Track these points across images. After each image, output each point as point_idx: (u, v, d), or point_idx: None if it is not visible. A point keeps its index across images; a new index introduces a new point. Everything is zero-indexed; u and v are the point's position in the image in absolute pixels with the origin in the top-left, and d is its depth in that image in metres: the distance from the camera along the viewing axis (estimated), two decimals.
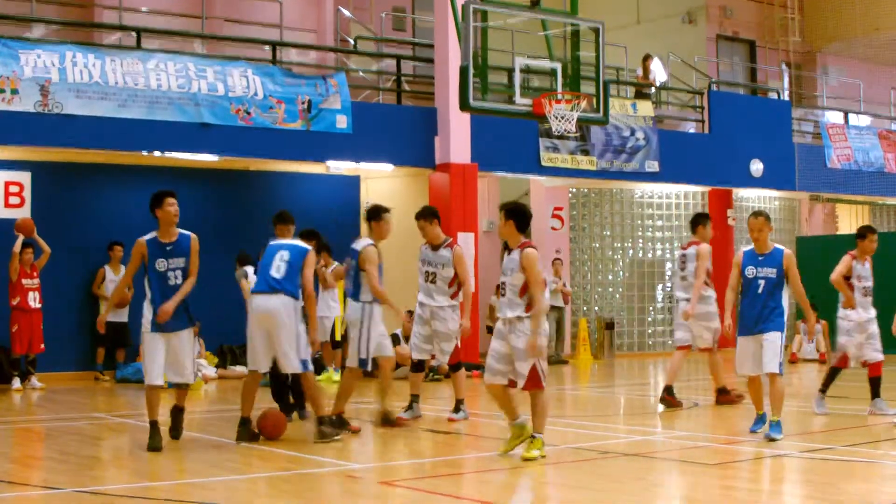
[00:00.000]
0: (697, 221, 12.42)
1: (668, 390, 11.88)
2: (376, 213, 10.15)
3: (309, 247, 9.62)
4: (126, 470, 8.39)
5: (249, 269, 12.90)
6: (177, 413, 9.33)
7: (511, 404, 8.40)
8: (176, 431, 9.31)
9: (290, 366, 9.18)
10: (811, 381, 13.15)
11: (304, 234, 10.35)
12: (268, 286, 9.21)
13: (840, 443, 9.13)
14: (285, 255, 9.40)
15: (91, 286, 16.06)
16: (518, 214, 8.23)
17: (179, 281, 8.94)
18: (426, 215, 10.76)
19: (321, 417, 9.27)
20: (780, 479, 7.85)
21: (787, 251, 9.53)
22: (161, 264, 8.95)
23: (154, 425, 8.81)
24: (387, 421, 10.02)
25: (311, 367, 9.33)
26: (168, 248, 9.11)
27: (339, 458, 8.70)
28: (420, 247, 10.77)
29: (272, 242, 9.83)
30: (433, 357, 10.92)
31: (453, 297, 10.53)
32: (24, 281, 14.40)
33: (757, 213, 9.52)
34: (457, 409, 10.76)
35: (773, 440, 9.01)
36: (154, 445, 8.70)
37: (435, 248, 10.58)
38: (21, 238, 14.40)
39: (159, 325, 8.74)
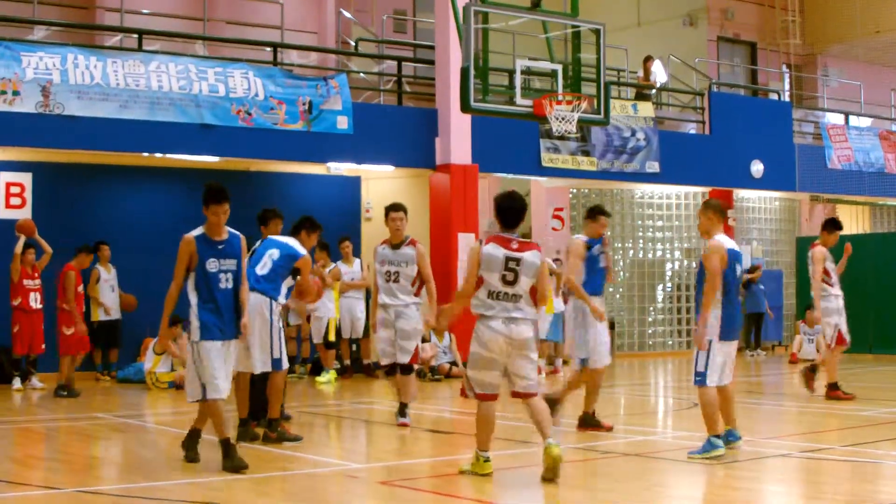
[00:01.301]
0: (824, 226, 12.81)
1: (834, 386, 12.39)
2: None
3: (303, 252, 9.50)
4: (127, 470, 8.40)
5: None
6: (196, 435, 8.37)
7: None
8: (193, 452, 8.32)
9: (256, 365, 9.12)
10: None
11: (303, 220, 10.15)
12: (250, 283, 9.03)
13: (840, 443, 9.14)
14: (275, 253, 9.36)
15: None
16: (498, 210, 7.67)
17: (230, 285, 8.01)
18: (405, 210, 10.68)
19: (271, 420, 9.23)
20: (780, 478, 7.85)
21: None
22: (212, 265, 7.99)
23: (227, 443, 7.91)
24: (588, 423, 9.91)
25: (284, 366, 9.21)
26: (220, 248, 8.11)
27: (340, 458, 8.72)
28: (376, 248, 10.65)
29: (270, 237, 9.73)
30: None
31: (416, 295, 10.47)
32: (25, 282, 14.41)
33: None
34: (402, 413, 10.29)
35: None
36: (240, 465, 7.81)
37: (396, 246, 10.47)
38: (23, 239, 14.42)
39: (219, 332, 7.84)
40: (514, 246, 7.44)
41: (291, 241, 9.63)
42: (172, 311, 8.12)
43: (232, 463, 7.77)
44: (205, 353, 7.80)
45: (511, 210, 7.62)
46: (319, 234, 10.18)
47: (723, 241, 8.43)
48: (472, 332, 7.46)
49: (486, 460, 7.53)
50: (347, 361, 16.38)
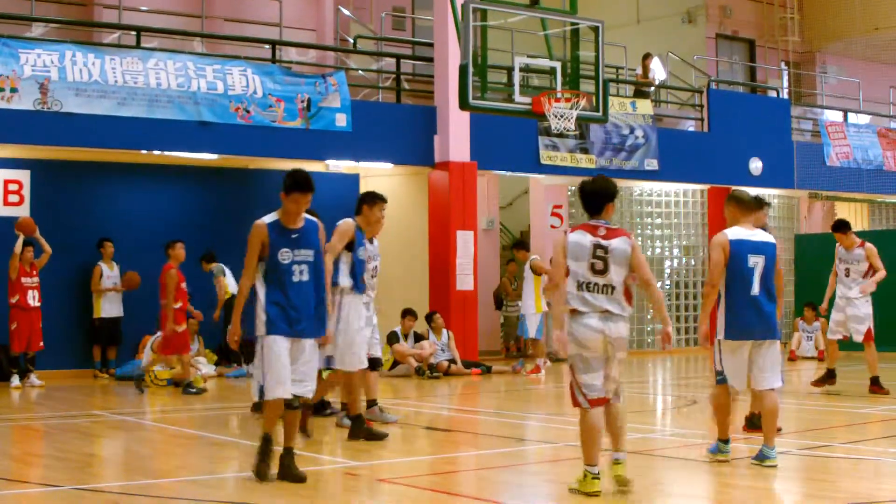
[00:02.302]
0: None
1: (875, 381, 12.75)
2: None
3: (343, 220, 9.27)
4: (125, 467, 8.39)
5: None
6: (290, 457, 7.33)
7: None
8: (265, 466, 7.34)
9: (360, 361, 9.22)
10: (809, 379, 13.16)
11: (363, 195, 9.84)
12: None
13: (839, 440, 9.14)
14: None
15: (90, 284, 16.07)
16: (582, 195, 7.48)
17: (306, 278, 7.27)
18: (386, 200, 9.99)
19: (355, 418, 9.19)
20: (779, 476, 7.85)
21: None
22: (285, 255, 7.27)
23: (290, 452, 7.30)
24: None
25: (329, 363, 9.14)
26: (294, 237, 7.36)
27: (339, 456, 8.71)
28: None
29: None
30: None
31: None
32: (23, 279, 14.40)
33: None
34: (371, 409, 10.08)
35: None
36: (298, 475, 7.20)
37: (371, 240, 9.78)
38: (22, 237, 14.40)
39: (287, 328, 7.18)
40: (602, 233, 6.96)
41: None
42: (244, 305, 7.39)
43: (288, 472, 7.18)
44: (267, 350, 7.12)
45: (595, 195, 7.24)
46: (382, 204, 9.58)
47: (729, 232, 8.02)
48: (567, 335, 6.89)
49: (595, 477, 6.77)
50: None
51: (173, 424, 11.32)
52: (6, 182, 15.67)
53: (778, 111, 22.76)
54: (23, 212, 15.54)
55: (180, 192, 17.16)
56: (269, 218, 7.43)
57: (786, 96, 25.62)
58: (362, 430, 9.14)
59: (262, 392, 7.16)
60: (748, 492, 7.12)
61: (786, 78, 27.93)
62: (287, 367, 7.13)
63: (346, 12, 20.57)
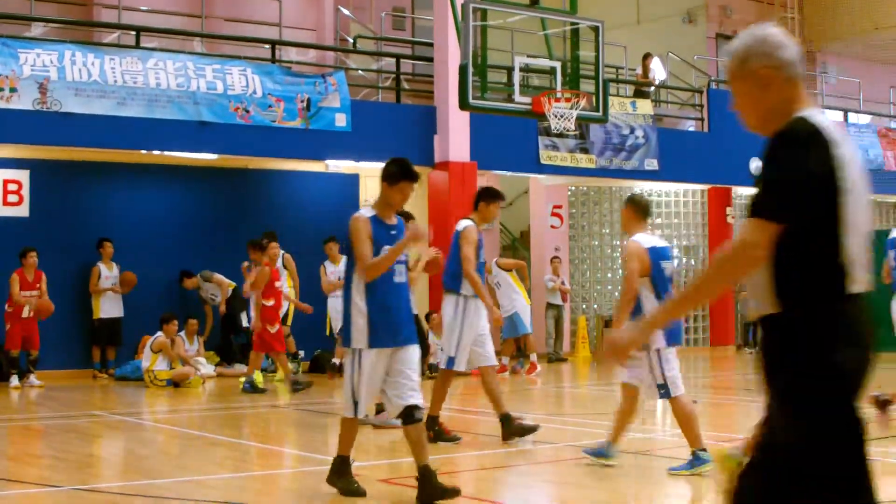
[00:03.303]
0: None
1: None
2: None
3: (461, 226, 8.97)
4: (124, 468, 8.38)
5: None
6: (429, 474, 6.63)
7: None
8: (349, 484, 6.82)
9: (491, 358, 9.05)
10: None
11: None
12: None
13: None
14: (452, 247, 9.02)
15: (88, 284, 16.06)
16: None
17: (404, 279, 6.73)
18: None
19: (431, 418, 8.82)
20: None
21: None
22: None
23: (346, 461, 6.85)
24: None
25: (451, 365, 8.95)
26: (392, 233, 6.68)
27: None
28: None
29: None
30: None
31: None
32: (23, 293, 14.37)
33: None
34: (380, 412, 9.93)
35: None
36: (356, 490, 6.74)
37: None
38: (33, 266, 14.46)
39: (392, 339, 6.57)
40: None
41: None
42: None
43: (346, 486, 6.72)
44: (366, 363, 6.50)
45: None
46: (500, 202, 9.31)
47: (641, 240, 7.74)
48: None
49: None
50: (336, 360, 15.99)
51: (172, 425, 11.31)
52: (5, 182, 15.66)
53: None
54: (22, 212, 15.55)
55: (180, 192, 17.15)
56: (367, 212, 6.67)
57: None
58: (515, 427, 8.93)
59: (356, 408, 6.58)
60: None
61: None
62: (378, 384, 6.56)
63: (346, 12, 20.56)
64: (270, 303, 13.62)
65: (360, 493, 6.66)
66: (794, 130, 3.09)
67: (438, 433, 8.85)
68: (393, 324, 6.53)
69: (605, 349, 3.32)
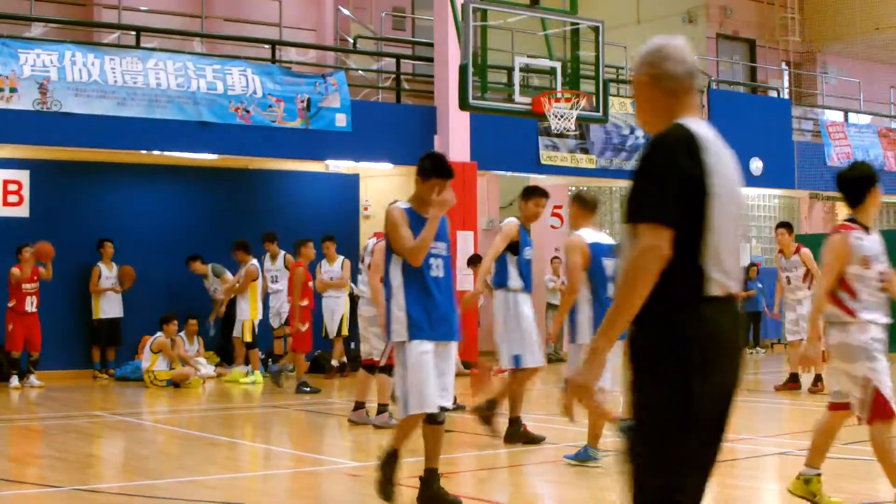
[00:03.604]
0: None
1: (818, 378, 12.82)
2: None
3: (504, 222, 8.92)
4: (124, 468, 8.38)
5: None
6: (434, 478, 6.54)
7: None
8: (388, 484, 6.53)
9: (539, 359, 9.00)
10: (805, 381, 13.16)
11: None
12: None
13: (839, 441, 9.11)
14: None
15: (88, 284, 16.06)
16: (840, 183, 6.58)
17: (442, 273, 6.46)
18: None
19: (512, 419, 8.91)
20: (779, 477, 7.84)
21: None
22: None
23: (434, 473, 6.57)
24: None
25: (519, 363, 8.84)
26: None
27: (340, 457, 8.69)
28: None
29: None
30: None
31: None
32: (23, 285, 14.39)
33: None
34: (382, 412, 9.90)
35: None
36: (451, 499, 6.50)
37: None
38: (32, 260, 14.39)
39: (431, 331, 6.36)
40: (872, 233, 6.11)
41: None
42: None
43: (436, 496, 6.46)
44: (412, 356, 6.28)
45: (851, 181, 6.18)
46: (540, 198, 9.20)
47: (584, 235, 7.80)
48: (836, 340, 6.39)
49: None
50: (335, 361, 15.94)
51: (173, 425, 11.31)
52: (5, 182, 15.66)
53: (778, 111, 22.74)
54: (22, 212, 15.55)
55: (180, 193, 17.15)
56: (403, 204, 6.52)
57: (786, 96, 25.61)
58: (519, 433, 8.91)
59: (405, 405, 6.30)
60: (747, 492, 7.10)
61: (786, 78, 27.91)
62: (433, 376, 6.29)
63: (346, 12, 20.56)
64: (305, 303, 13.72)
65: (391, 496, 6.44)
66: (666, 136, 3.32)
67: (523, 435, 8.83)
68: (431, 317, 6.33)
69: (571, 394, 3.40)
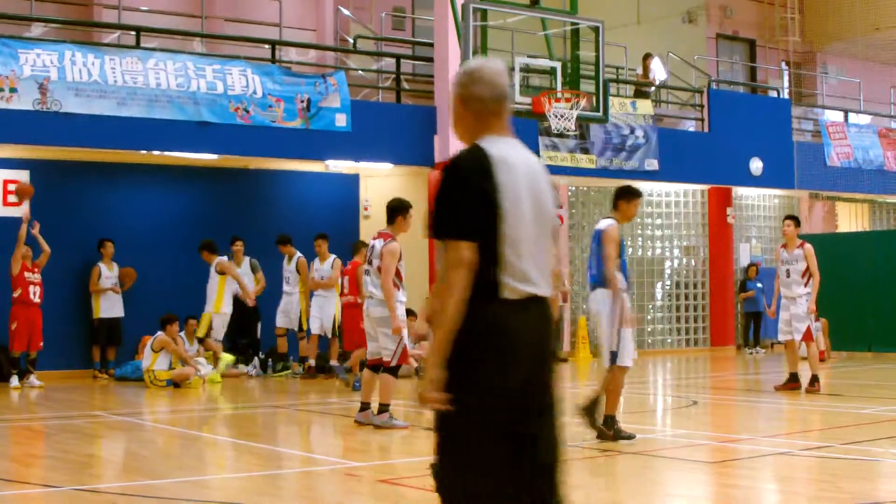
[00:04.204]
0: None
1: (814, 379, 13.00)
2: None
3: (604, 225, 9.03)
4: (125, 468, 8.38)
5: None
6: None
7: None
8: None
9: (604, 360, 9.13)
10: (804, 381, 13.16)
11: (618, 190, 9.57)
12: (589, 284, 9.20)
13: (838, 440, 9.12)
14: (594, 246, 9.14)
15: (88, 284, 16.05)
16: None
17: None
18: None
19: (607, 417, 9.01)
20: (779, 477, 7.84)
21: None
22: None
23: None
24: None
25: (616, 360, 8.99)
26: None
27: (339, 457, 8.69)
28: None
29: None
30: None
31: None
32: (25, 274, 14.40)
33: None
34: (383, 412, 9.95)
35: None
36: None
37: None
38: (25, 225, 14.37)
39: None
40: None
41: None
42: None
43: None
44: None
45: None
46: (639, 199, 9.40)
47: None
48: None
49: None
50: (311, 362, 15.87)
51: (173, 425, 11.31)
52: (6, 182, 15.66)
53: (778, 111, 22.73)
54: (22, 211, 15.53)
55: (180, 193, 17.16)
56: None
57: (786, 96, 25.61)
58: (613, 430, 8.97)
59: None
60: (748, 492, 7.10)
61: (786, 78, 27.91)
62: None
63: (346, 12, 20.56)
64: (17, 293, 14.17)
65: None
66: (459, 158, 3.68)
67: (617, 432, 8.92)
68: None
69: (419, 401, 3.70)
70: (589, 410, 8.82)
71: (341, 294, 14.50)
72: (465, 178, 3.62)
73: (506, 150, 3.70)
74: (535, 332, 3.70)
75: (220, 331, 15.38)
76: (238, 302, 16.31)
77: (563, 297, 19.53)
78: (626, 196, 9.19)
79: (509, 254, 3.63)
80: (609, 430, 8.85)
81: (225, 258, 15.46)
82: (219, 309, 15.24)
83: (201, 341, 15.29)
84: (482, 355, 3.59)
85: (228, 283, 15.33)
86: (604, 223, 9.07)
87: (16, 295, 14.39)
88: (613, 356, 8.92)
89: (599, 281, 8.98)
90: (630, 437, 8.89)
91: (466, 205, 3.59)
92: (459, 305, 3.57)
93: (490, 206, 3.59)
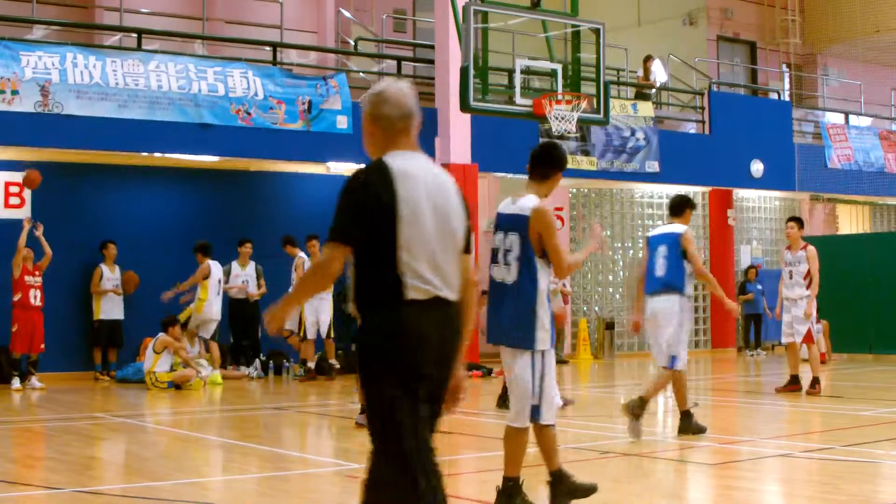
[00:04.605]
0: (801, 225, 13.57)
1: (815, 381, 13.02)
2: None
3: (681, 230, 9.39)
4: (126, 470, 8.39)
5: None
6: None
7: None
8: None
9: (661, 359, 9.44)
10: (805, 383, 13.16)
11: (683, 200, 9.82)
12: (653, 287, 9.38)
13: (839, 443, 9.13)
14: (663, 250, 9.35)
15: (90, 286, 16.06)
16: None
17: None
18: None
19: (683, 413, 9.39)
20: (779, 479, 7.84)
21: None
22: None
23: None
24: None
25: (676, 365, 9.33)
26: None
27: (338, 458, 8.70)
28: None
29: (652, 234, 9.75)
30: None
31: None
32: (26, 278, 14.41)
33: None
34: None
35: None
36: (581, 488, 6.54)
37: None
38: (26, 230, 14.40)
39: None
40: None
41: (670, 227, 9.61)
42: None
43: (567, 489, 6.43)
44: (551, 364, 6.21)
45: None
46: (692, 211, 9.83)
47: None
48: None
49: None
50: (312, 364, 15.90)
51: (174, 427, 11.32)
52: (7, 184, 15.68)
53: (779, 113, 22.74)
54: (24, 214, 15.55)
55: (181, 194, 17.16)
56: (541, 201, 6.31)
57: (787, 98, 25.62)
58: (693, 424, 9.34)
59: (539, 412, 6.21)
60: (749, 494, 7.11)
61: (787, 80, 27.92)
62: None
63: (347, 14, 20.57)
64: (18, 297, 14.28)
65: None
66: (361, 171, 4.07)
67: (695, 426, 9.31)
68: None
69: (269, 320, 4.11)
70: (637, 409, 9.08)
71: None
72: (358, 190, 3.98)
73: (409, 164, 4.03)
74: (438, 331, 3.97)
75: (206, 329, 15.54)
76: (240, 303, 16.34)
77: (564, 300, 19.56)
78: (693, 205, 9.77)
79: (409, 259, 3.92)
80: (691, 424, 9.25)
81: (207, 263, 15.58)
82: (200, 309, 15.38)
83: (184, 326, 15.35)
84: (392, 353, 3.92)
85: (211, 286, 15.46)
86: (678, 228, 9.41)
87: (16, 299, 14.39)
88: (673, 360, 9.26)
89: (670, 285, 9.25)
90: (703, 429, 9.36)
91: (354, 213, 3.95)
92: (318, 286, 4.08)
93: (389, 215, 3.90)
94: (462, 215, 4.16)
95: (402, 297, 3.92)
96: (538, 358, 6.10)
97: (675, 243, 9.28)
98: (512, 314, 6.11)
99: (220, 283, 15.74)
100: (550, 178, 6.45)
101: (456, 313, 4.07)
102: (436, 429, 4.15)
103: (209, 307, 15.51)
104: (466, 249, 4.17)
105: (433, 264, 3.98)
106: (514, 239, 6.20)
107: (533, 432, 6.29)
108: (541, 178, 6.44)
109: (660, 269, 9.29)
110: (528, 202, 6.25)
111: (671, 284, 9.26)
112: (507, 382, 6.33)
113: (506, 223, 6.32)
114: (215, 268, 15.69)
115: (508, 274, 6.17)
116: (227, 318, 16.38)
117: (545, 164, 6.47)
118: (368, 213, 3.94)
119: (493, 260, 6.33)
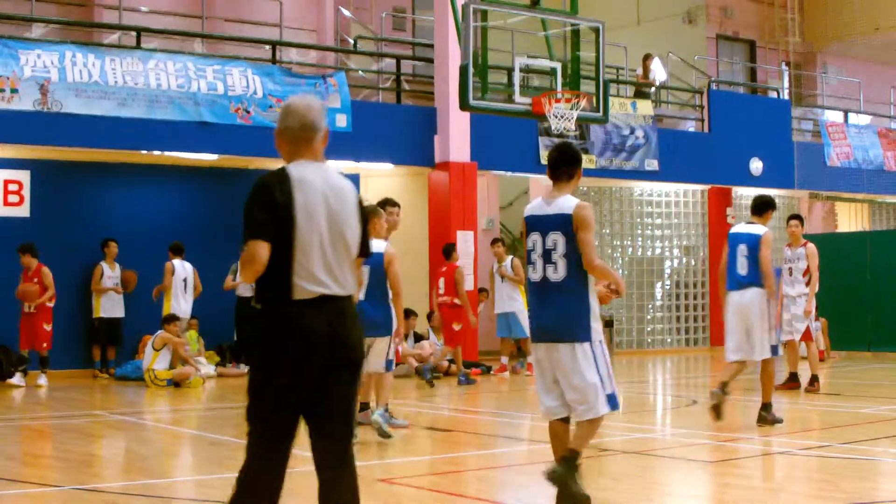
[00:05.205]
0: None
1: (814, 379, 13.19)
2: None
3: (762, 231, 9.78)
4: (126, 468, 8.40)
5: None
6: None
7: None
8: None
9: (761, 353, 9.75)
10: (804, 381, 13.18)
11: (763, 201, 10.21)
12: (737, 283, 9.79)
13: (838, 440, 9.14)
14: (743, 248, 9.78)
15: (90, 284, 16.08)
16: None
17: None
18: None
19: (764, 404, 9.82)
20: (779, 476, 7.85)
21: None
22: None
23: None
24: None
25: (777, 352, 9.90)
26: None
27: None
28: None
29: (733, 230, 10.14)
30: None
31: None
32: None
33: None
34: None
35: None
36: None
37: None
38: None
39: None
40: None
41: (751, 226, 9.98)
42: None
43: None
44: (606, 353, 6.35)
45: None
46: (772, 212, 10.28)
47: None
48: None
49: None
50: None
51: (173, 424, 11.33)
52: (6, 182, 15.69)
53: (778, 112, 22.75)
54: (23, 212, 15.57)
55: (180, 193, 17.17)
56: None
57: (786, 97, 25.63)
58: (770, 415, 9.77)
59: (614, 401, 6.24)
60: (748, 492, 7.11)
61: (786, 78, 27.93)
62: None
63: (347, 13, 20.57)
64: (458, 301, 14.88)
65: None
66: (263, 177, 4.38)
67: (773, 418, 9.75)
68: None
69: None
70: (721, 393, 9.43)
71: (438, 295, 15.15)
72: (262, 193, 4.31)
73: (307, 173, 4.36)
74: (327, 326, 4.28)
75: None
76: (242, 301, 16.35)
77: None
78: (774, 206, 10.14)
79: (302, 259, 4.26)
80: (769, 416, 9.71)
81: (171, 262, 15.64)
82: (167, 308, 15.47)
83: (167, 321, 15.42)
84: (280, 349, 4.25)
85: (176, 285, 15.67)
86: (758, 229, 9.81)
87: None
88: (774, 349, 9.80)
89: (755, 281, 9.69)
90: (779, 420, 9.78)
91: (263, 213, 4.26)
92: (248, 280, 4.34)
93: (285, 218, 4.25)
94: (357, 220, 4.45)
95: (291, 297, 4.26)
96: (598, 348, 6.22)
97: (756, 244, 9.75)
98: (562, 311, 6.20)
99: (185, 282, 15.76)
100: (576, 176, 6.67)
101: (347, 304, 4.38)
102: (352, 397, 4.50)
103: (176, 306, 15.57)
104: (363, 252, 4.51)
105: (323, 264, 4.30)
106: (557, 238, 6.29)
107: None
108: (568, 177, 6.62)
109: (742, 268, 9.80)
110: (567, 202, 6.41)
111: (754, 282, 9.74)
112: (539, 377, 6.56)
113: (545, 224, 6.37)
114: (180, 267, 15.73)
115: (556, 272, 6.25)
116: (233, 316, 16.42)
117: (570, 163, 6.64)
118: (270, 214, 4.28)
119: (529, 261, 6.39)
